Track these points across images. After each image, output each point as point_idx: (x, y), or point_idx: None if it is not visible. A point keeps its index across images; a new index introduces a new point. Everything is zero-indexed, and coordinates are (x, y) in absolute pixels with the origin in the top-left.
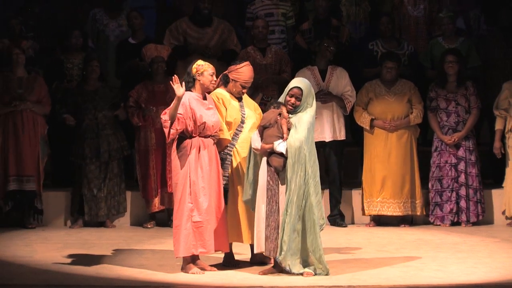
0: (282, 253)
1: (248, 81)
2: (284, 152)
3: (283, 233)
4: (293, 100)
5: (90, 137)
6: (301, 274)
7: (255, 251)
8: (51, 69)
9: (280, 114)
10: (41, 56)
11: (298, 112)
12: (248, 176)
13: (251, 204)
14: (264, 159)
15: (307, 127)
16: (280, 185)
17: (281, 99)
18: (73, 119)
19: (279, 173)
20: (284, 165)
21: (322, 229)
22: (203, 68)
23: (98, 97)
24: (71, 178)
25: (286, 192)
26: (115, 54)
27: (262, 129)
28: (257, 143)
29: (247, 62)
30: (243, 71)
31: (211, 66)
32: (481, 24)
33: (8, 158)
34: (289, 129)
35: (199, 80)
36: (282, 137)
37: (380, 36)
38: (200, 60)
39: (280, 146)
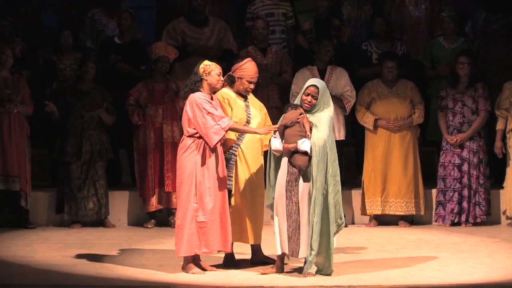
0: (312, 252)
1: (253, 76)
2: (309, 151)
3: (312, 232)
4: (309, 98)
5: (74, 136)
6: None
7: (279, 252)
8: (45, 70)
9: (301, 114)
10: (29, 57)
11: (315, 112)
12: (270, 180)
13: (273, 209)
14: (284, 159)
15: (328, 126)
16: (299, 186)
17: (297, 100)
18: (54, 107)
19: (300, 171)
20: (308, 164)
21: (341, 229)
22: (210, 68)
23: (89, 98)
24: (57, 176)
25: (312, 191)
26: (99, 50)
27: (283, 129)
28: (278, 144)
29: (249, 58)
30: (247, 67)
31: (218, 66)
32: (479, 21)
33: None
34: (310, 128)
35: (206, 80)
36: (304, 136)
37: (375, 37)
38: (207, 60)
39: (304, 144)
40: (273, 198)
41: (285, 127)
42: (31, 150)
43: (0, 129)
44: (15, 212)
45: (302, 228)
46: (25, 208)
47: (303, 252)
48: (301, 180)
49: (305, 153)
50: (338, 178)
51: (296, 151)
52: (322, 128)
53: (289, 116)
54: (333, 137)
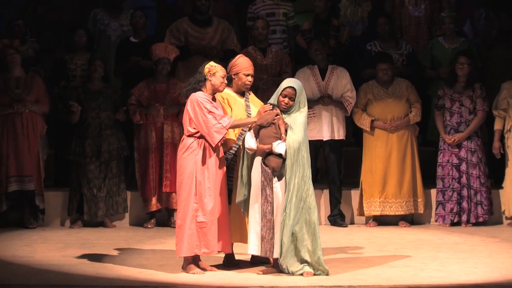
0: (282, 255)
1: (248, 68)
2: (283, 153)
3: (282, 234)
4: (286, 100)
5: (91, 136)
6: (301, 274)
7: (251, 252)
8: (55, 69)
9: (277, 115)
10: (43, 56)
11: (291, 113)
12: (242, 177)
13: (243, 206)
14: (257, 159)
15: (303, 128)
16: (273, 186)
17: (273, 100)
18: (79, 107)
19: (274, 173)
20: (282, 166)
21: None
22: (215, 69)
23: (102, 97)
24: (70, 177)
25: (285, 193)
26: (115, 53)
27: (258, 129)
28: (252, 144)
29: (241, 54)
30: (240, 62)
31: (223, 68)
32: (481, 20)
33: (8, 159)
34: (286, 130)
35: (210, 81)
36: (279, 138)
37: (378, 37)
38: (213, 62)
39: (279, 147)
40: (245, 195)
41: (261, 127)
42: (47, 149)
43: (13, 129)
44: (24, 212)
45: (277, 228)
46: (40, 208)
47: (277, 252)
48: (275, 180)
49: (279, 155)
50: (311, 181)
51: (270, 152)
52: (298, 130)
53: (265, 116)
54: (307, 139)
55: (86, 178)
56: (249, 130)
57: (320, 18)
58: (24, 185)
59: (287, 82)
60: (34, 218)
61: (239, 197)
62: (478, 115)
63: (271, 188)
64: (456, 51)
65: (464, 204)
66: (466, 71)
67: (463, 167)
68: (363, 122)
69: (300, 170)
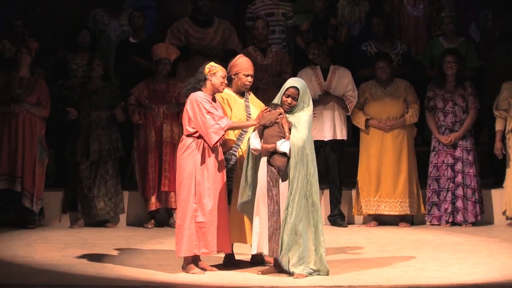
0: (282, 252)
1: (248, 68)
2: (288, 152)
3: (283, 232)
4: (289, 100)
5: (82, 136)
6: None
7: (254, 252)
8: (56, 68)
9: (280, 114)
10: (43, 56)
11: (295, 112)
12: (247, 178)
13: (246, 207)
14: (263, 159)
15: (307, 126)
16: (279, 185)
17: (277, 100)
18: (75, 113)
19: (279, 172)
20: (287, 165)
21: None
22: (215, 69)
23: (97, 97)
24: (62, 176)
25: (288, 191)
26: (115, 53)
27: (262, 129)
28: (257, 144)
29: (241, 54)
30: (240, 62)
31: (223, 69)
32: (488, 21)
33: (0, 157)
34: (289, 129)
35: (211, 80)
36: (283, 137)
37: (373, 37)
38: (213, 62)
39: (283, 145)
40: (249, 196)
41: (264, 127)
42: (47, 152)
43: (8, 128)
44: (18, 213)
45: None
46: (30, 209)
47: (278, 250)
48: (281, 180)
49: (284, 154)
50: (316, 178)
51: (275, 152)
52: (302, 128)
53: (268, 116)
54: (311, 137)
55: (79, 177)
56: (254, 130)
57: (319, 17)
58: (12, 185)
59: (291, 82)
60: (30, 219)
61: (242, 198)
62: (470, 113)
63: (278, 189)
64: None
65: (459, 203)
66: (454, 69)
67: (458, 166)
68: (358, 120)
69: (304, 168)
